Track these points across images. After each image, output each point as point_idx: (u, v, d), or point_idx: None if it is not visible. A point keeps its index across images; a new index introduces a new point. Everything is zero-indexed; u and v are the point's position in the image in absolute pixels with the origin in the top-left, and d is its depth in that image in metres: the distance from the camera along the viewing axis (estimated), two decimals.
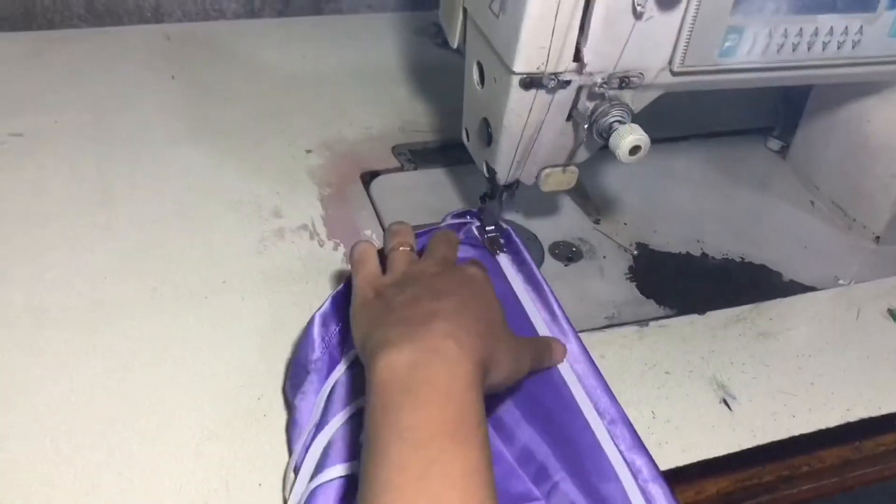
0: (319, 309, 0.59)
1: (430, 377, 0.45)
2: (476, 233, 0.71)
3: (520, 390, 0.58)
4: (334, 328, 0.60)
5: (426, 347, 0.47)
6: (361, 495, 0.43)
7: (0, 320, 0.62)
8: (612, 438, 0.55)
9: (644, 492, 0.53)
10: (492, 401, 0.58)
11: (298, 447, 0.54)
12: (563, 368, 0.59)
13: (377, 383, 0.46)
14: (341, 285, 0.60)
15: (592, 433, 0.56)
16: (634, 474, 0.54)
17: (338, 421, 0.54)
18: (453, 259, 0.60)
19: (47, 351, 0.60)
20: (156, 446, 0.55)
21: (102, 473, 0.53)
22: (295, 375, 0.59)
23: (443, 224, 0.71)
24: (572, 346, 0.61)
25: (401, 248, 0.59)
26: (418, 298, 0.51)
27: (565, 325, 0.62)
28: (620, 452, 0.55)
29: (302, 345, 0.60)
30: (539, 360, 0.58)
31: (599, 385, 0.59)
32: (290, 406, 0.58)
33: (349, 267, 0.60)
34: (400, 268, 0.57)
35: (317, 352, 0.59)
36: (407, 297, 0.52)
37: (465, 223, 0.71)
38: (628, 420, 0.57)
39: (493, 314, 0.54)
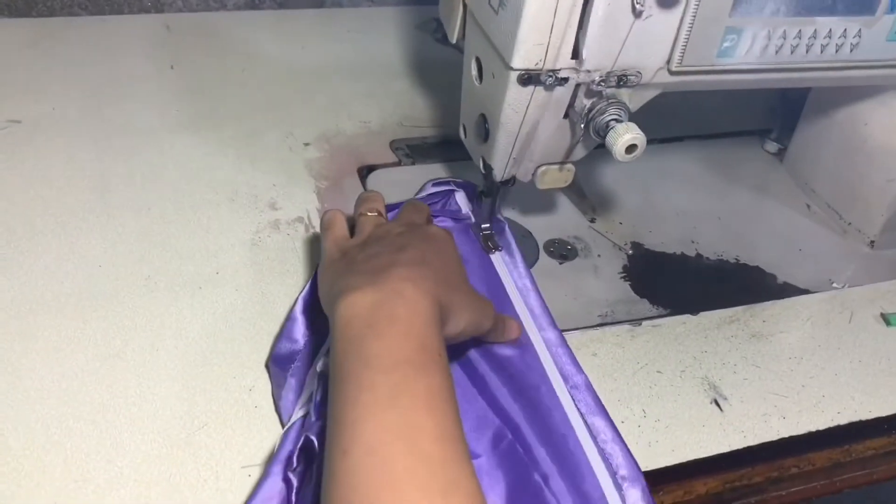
0: (302, 292, 0.62)
1: (391, 313, 0.48)
2: (458, 204, 0.73)
3: (489, 352, 0.61)
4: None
5: (387, 289, 0.49)
6: (332, 414, 0.45)
7: None
8: (574, 402, 0.59)
9: (603, 452, 0.56)
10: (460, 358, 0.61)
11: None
12: (534, 337, 0.63)
13: (340, 320, 0.48)
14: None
15: (556, 396, 0.59)
16: (594, 436, 0.57)
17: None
18: (420, 223, 0.63)
19: (39, 337, 0.60)
20: (146, 435, 0.55)
21: (92, 461, 0.53)
22: (280, 356, 0.60)
23: (423, 193, 0.74)
24: (549, 335, 0.64)
25: (368, 213, 0.62)
26: (380, 253, 0.54)
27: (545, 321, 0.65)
28: (582, 415, 0.58)
29: (287, 325, 0.61)
30: (495, 328, 0.59)
31: (566, 353, 0.62)
32: (277, 383, 0.59)
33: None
34: (366, 230, 0.60)
35: (300, 337, 0.60)
36: (370, 252, 0.55)
37: (446, 191, 0.74)
38: (591, 386, 0.61)
39: (453, 267, 0.57)
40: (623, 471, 0.56)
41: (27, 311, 0.62)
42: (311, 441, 0.50)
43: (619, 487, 0.55)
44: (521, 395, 0.59)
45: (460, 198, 0.73)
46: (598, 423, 0.58)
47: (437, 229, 0.60)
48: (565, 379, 0.61)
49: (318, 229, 0.73)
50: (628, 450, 0.57)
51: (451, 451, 0.43)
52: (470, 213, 0.72)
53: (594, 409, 0.59)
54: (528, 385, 0.59)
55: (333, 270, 0.56)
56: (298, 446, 0.51)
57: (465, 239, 0.70)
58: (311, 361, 0.58)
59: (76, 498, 0.51)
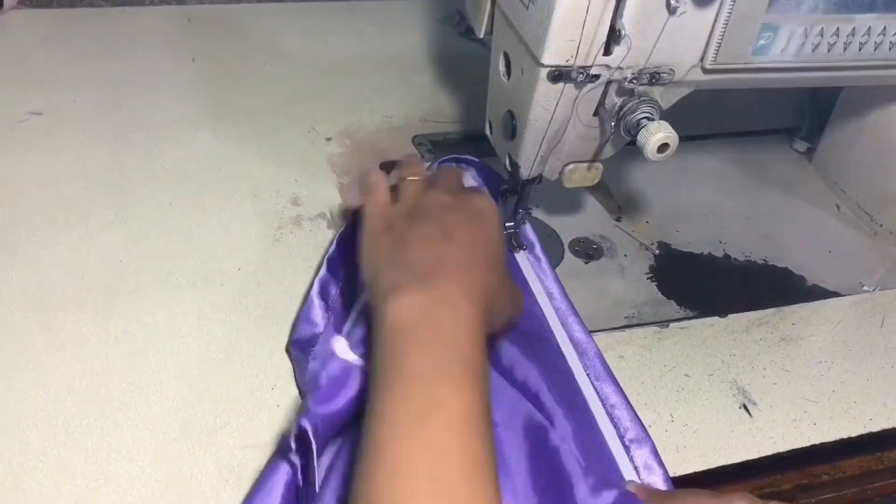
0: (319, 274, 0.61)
1: (436, 324, 0.46)
2: (471, 181, 0.73)
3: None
4: (335, 293, 0.61)
5: (435, 295, 0.47)
6: (365, 427, 0.43)
7: (14, 301, 0.61)
8: (584, 369, 0.61)
9: (612, 417, 0.58)
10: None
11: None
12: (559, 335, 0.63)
13: (386, 326, 0.47)
14: (344, 226, 0.60)
15: (566, 362, 0.61)
16: (603, 400, 0.59)
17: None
18: (459, 184, 0.61)
19: (60, 333, 0.60)
20: (168, 433, 0.54)
21: (113, 459, 0.52)
22: (300, 340, 0.59)
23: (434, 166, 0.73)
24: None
25: (411, 178, 0.59)
26: (430, 238, 0.52)
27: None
28: (591, 382, 0.60)
29: (305, 308, 0.61)
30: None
31: (577, 321, 0.64)
32: (299, 367, 0.59)
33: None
34: (411, 197, 0.57)
35: (319, 321, 0.59)
36: (418, 234, 0.52)
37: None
38: (600, 354, 0.62)
39: (499, 256, 0.55)
40: (631, 434, 0.57)
41: (48, 306, 0.61)
42: (305, 430, 0.48)
43: (627, 449, 0.56)
44: (537, 358, 0.59)
45: (467, 179, 0.73)
46: (606, 388, 0.60)
47: (482, 202, 0.56)
48: (574, 345, 0.62)
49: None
50: (635, 413, 0.58)
51: (477, 482, 0.41)
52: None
53: (602, 375, 0.61)
54: (539, 347, 0.61)
55: (378, 247, 0.53)
56: (293, 434, 0.49)
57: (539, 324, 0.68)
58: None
59: (98, 497, 0.50)
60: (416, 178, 0.59)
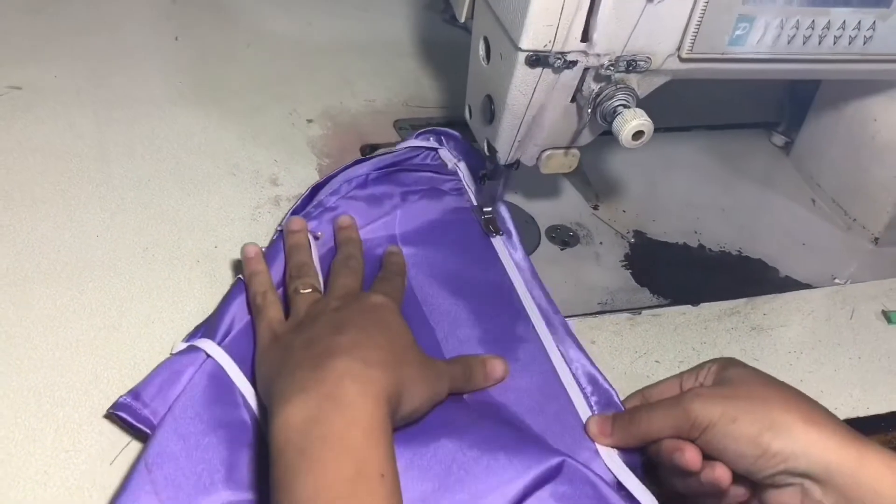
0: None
1: (324, 433, 0.43)
2: (442, 158, 0.74)
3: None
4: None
5: (320, 396, 0.45)
6: None
7: None
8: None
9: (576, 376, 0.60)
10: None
11: None
12: (538, 325, 0.64)
13: (274, 447, 0.44)
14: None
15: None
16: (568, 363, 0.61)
17: None
18: (356, 288, 0.59)
19: (35, 306, 0.60)
20: None
21: (84, 430, 0.53)
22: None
23: (402, 146, 0.75)
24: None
25: (302, 290, 0.57)
26: (317, 338, 0.50)
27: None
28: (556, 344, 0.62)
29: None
30: (467, 379, 0.57)
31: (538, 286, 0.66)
32: None
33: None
34: (301, 310, 0.56)
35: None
36: (305, 337, 0.51)
37: (427, 149, 0.75)
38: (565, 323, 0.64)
39: (399, 339, 0.52)
40: (595, 397, 0.59)
41: (23, 279, 0.61)
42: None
43: (591, 407, 0.58)
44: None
45: (444, 154, 0.74)
46: (573, 353, 0.61)
47: (376, 297, 0.55)
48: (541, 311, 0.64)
49: None
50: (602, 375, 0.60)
51: None
52: (457, 167, 0.73)
53: (566, 338, 0.63)
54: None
55: (269, 361, 0.52)
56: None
57: (467, 222, 0.70)
58: None
59: (66, 467, 0.51)
60: (307, 289, 0.58)
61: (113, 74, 0.82)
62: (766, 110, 0.97)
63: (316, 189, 0.71)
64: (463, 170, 0.74)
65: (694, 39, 0.58)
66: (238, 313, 0.59)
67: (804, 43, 0.61)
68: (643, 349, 0.66)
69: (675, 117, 0.92)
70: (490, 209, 0.71)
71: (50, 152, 0.72)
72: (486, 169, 0.69)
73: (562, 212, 0.79)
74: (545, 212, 0.79)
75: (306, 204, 0.70)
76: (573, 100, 0.61)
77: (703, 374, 0.56)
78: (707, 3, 0.56)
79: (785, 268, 0.78)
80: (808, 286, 0.76)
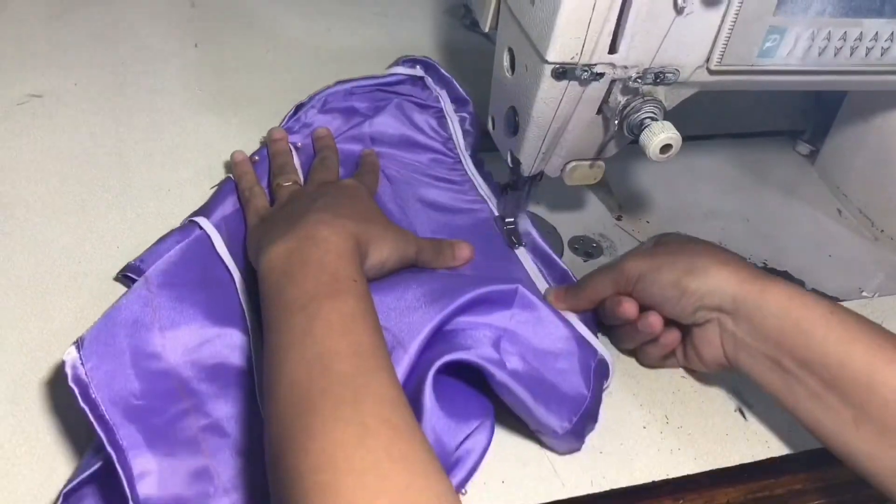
0: None
1: (304, 258, 0.52)
2: (431, 87, 0.79)
3: None
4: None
5: (300, 236, 0.53)
6: (266, 364, 0.48)
7: (10, 284, 0.61)
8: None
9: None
10: None
11: None
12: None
13: (262, 275, 0.53)
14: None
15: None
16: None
17: None
18: (333, 180, 0.67)
19: (56, 318, 0.59)
20: None
21: None
22: None
23: (389, 73, 0.81)
24: None
25: (284, 184, 0.66)
26: (296, 210, 0.59)
27: None
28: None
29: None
30: (436, 254, 0.64)
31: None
32: None
33: None
34: (283, 197, 0.65)
35: None
36: (286, 212, 0.60)
37: (413, 77, 0.81)
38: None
39: (366, 205, 0.62)
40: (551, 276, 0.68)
41: (44, 290, 0.61)
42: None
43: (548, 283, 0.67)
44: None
45: (430, 83, 0.80)
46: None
47: (349, 181, 0.66)
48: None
49: None
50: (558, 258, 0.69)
51: (364, 366, 0.45)
52: (440, 96, 0.79)
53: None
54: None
55: (256, 235, 0.60)
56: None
57: (488, 233, 0.69)
58: None
59: None
60: (288, 182, 0.66)
61: (133, 82, 0.82)
62: (790, 118, 0.95)
63: (299, 108, 0.77)
64: (444, 98, 0.79)
65: (723, 51, 0.57)
66: (227, 203, 0.67)
67: (835, 55, 0.60)
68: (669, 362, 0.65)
69: (697, 126, 0.91)
70: (513, 220, 0.70)
71: (70, 161, 0.72)
72: (509, 179, 0.69)
73: (585, 222, 0.78)
74: (568, 222, 0.78)
75: (289, 120, 0.76)
76: (599, 112, 0.60)
77: (640, 247, 0.65)
78: (737, 14, 0.55)
79: (811, 280, 0.77)
80: (835, 299, 0.75)
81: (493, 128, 0.68)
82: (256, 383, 0.54)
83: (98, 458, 0.49)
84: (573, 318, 0.63)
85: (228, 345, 0.56)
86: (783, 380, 0.55)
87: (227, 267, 0.61)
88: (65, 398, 0.52)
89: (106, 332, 0.53)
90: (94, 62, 0.83)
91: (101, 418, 0.48)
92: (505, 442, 0.57)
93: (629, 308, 0.60)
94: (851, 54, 0.60)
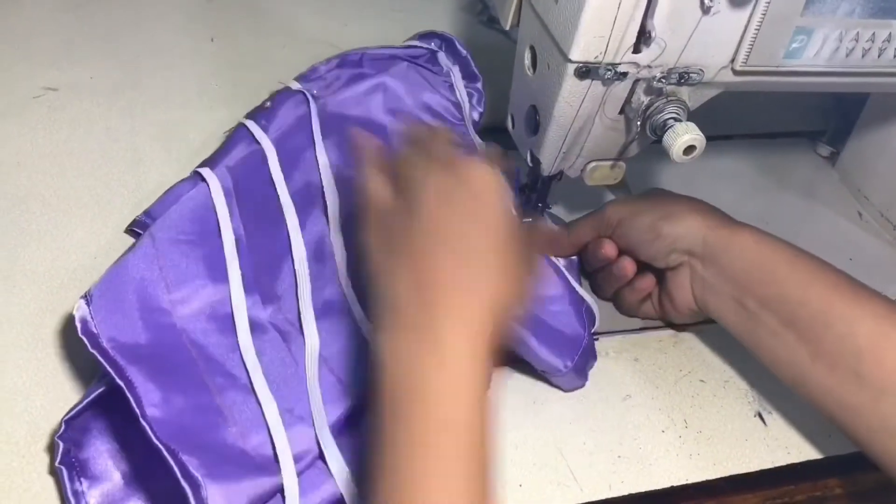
0: None
1: (421, 383, 0.44)
2: (440, 62, 0.80)
3: None
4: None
5: (428, 338, 0.45)
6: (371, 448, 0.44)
7: (24, 279, 0.61)
8: None
9: None
10: None
11: None
12: None
13: (380, 368, 0.46)
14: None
15: None
16: None
17: None
18: (453, 164, 0.52)
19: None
20: None
21: None
22: None
23: (406, 44, 0.81)
24: None
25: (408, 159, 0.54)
26: (420, 244, 0.49)
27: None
28: None
29: None
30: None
31: None
32: None
33: None
34: (400, 183, 0.53)
35: None
36: (408, 241, 0.49)
37: (428, 50, 0.81)
38: None
39: (503, 242, 0.50)
40: None
41: (59, 285, 0.61)
42: None
43: None
44: None
45: (442, 57, 0.80)
46: None
47: (483, 179, 0.50)
48: None
49: None
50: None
51: None
52: (451, 71, 0.79)
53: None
54: None
55: (374, 259, 0.51)
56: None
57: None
58: None
59: None
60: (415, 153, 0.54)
61: (149, 76, 0.82)
62: (810, 119, 0.94)
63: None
64: (456, 73, 0.80)
65: (749, 52, 0.56)
66: (235, 151, 0.67)
67: (863, 56, 0.59)
68: (687, 367, 0.64)
69: (717, 126, 0.89)
70: (530, 219, 0.69)
71: (85, 155, 0.72)
72: (528, 179, 0.68)
73: None
74: None
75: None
76: (622, 112, 0.59)
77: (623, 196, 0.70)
78: (764, 14, 0.54)
79: None
80: None
81: (513, 126, 0.67)
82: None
83: (101, 384, 0.50)
84: (560, 265, 0.66)
85: (227, 299, 0.57)
86: (746, 320, 0.59)
87: (217, 223, 0.60)
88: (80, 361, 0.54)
89: (113, 289, 0.53)
90: (109, 56, 0.83)
91: (111, 361, 0.49)
92: (523, 446, 0.57)
93: (609, 249, 0.65)
94: (879, 56, 0.59)
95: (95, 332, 0.50)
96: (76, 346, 0.52)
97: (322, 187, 0.65)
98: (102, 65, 0.81)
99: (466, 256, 0.48)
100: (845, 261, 0.79)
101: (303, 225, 0.63)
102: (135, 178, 0.70)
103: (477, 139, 0.75)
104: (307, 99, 0.73)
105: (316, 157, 0.68)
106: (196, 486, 0.45)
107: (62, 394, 0.54)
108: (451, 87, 0.78)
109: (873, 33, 0.57)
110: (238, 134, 0.70)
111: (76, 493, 0.48)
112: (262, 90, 0.82)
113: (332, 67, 0.77)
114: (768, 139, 0.92)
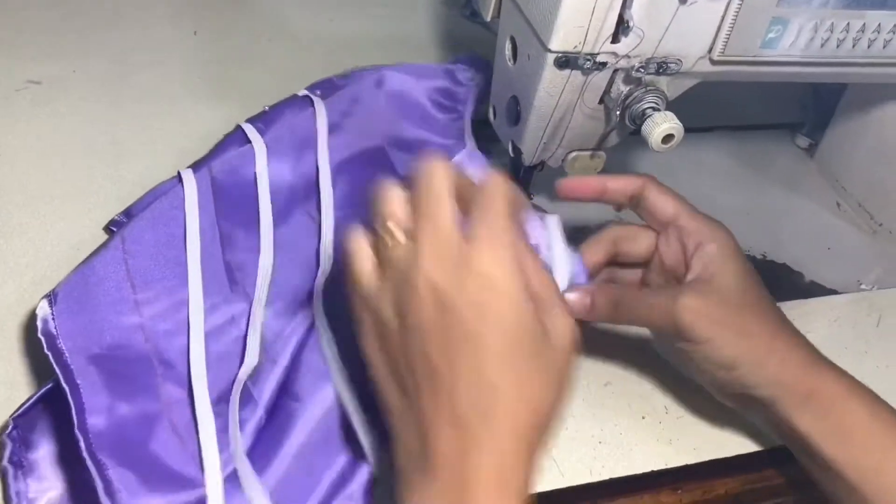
0: None
1: None
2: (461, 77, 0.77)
3: None
4: None
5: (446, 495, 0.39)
6: None
7: (7, 271, 0.61)
8: None
9: None
10: None
11: None
12: None
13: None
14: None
15: None
16: None
17: None
18: (451, 238, 0.42)
19: None
20: None
21: None
22: None
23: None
24: None
25: (389, 241, 0.43)
26: (429, 383, 0.41)
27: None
28: None
29: None
30: None
31: None
32: None
33: None
34: (389, 274, 0.43)
35: None
36: (412, 372, 0.41)
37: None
38: None
39: (522, 338, 0.41)
40: None
41: (42, 277, 0.61)
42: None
43: None
44: None
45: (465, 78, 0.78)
46: None
47: (488, 278, 0.40)
48: None
49: None
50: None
51: None
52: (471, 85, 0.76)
53: None
54: None
55: (378, 362, 0.44)
56: None
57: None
58: None
59: None
60: (394, 229, 0.43)
61: (132, 70, 0.82)
62: (789, 111, 0.95)
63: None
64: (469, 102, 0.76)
65: (726, 42, 0.57)
66: (226, 153, 0.67)
67: (838, 46, 0.60)
68: None
69: (696, 119, 0.90)
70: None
71: (68, 148, 0.72)
72: (510, 169, 0.69)
73: (585, 214, 0.78)
74: (568, 213, 0.77)
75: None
76: (601, 101, 0.60)
77: (690, 249, 0.56)
78: (741, 4, 0.55)
79: (810, 273, 0.77)
80: (833, 292, 0.75)
81: (495, 117, 0.68)
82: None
83: (51, 382, 0.50)
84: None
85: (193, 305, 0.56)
86: (812, 466, 0.54)
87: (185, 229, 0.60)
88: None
89: (79, 290, 0.53)
90: (93, 49, 0.83)
91: (63, 364, 0.49)
92: None
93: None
94: (854, 46, 0.60)
95: (55, 333, 0.50)
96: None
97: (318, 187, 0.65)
98: (86, 58, 0.82)
99: (481, 381, 0.40)
100: (824, 250, 0.80)
101: (288, 224, 0.63)
102: (118, 170, 0.71)
103: (479, 157, 0.72)
104: (312, 101, 0.72)
105: (317, 157, 0.67)
106: None
107: (29, 391, 0.54)
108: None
109: (847, 24, 0.58)
110: (232, 136, 0.70)
111: (18, 494, 0.48)
112: (246, 83, 0.83)
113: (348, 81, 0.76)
114: (748, 131, 0.93)
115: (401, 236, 0.43)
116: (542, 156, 0.64)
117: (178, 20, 0.90)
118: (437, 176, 0.43)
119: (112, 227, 0.64)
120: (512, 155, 0.66)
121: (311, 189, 0.66)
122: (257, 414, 0.52)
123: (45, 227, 0.64)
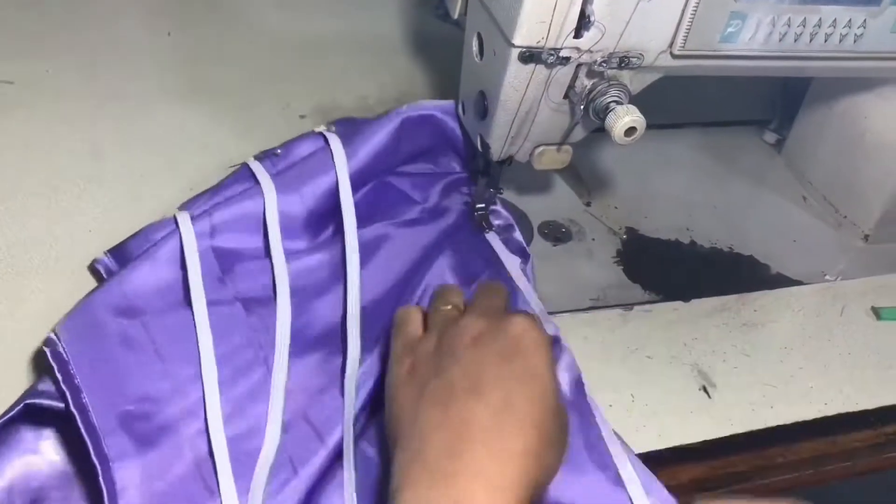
0: None
1: None
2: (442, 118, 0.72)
3: None
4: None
5: (447, 497, 0.42)
6: None
7: None
8: None
9: None
10: None
11: None
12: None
13: None
14: None
15: None
16: None
17: None
18: (499, 309, 0.54)
19: (28, 300, 0.60)
20: None
21: None
22: None
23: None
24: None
25: (441, 308, 0.55)
26: (452, 389, 0.46)
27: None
28: None
29: None
30: None
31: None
32: None
33: None
34: (436, 326, 0.52)
35: None
36: (439, 383, 0.47)
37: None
38: None
39: (543, 396, 0.47)
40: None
41: (15, 273, 0.61)
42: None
43: None
44: None
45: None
46: None
47: (522, 328, 0.49)
48: None
49: None
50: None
51: None
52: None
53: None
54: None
55: (401, 400, 0.49)
56: None
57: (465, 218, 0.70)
58: None
59: None
60: (449, 307, 0.55)
61: (106, 69, 0.82)
62: (757, 108, 0.97)
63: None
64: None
65: (686, 36, 0.58)
66: (227, 194, 0.65)
67: (795, 40, 0.61)
68: (635, 345, 0.66)
69: (667, 114, 0.92)
70: (483, 205, 0.71)
71: (42, 147, 0.72)
72: (479, 165, 0.69)
73: (554, 208, 0.80)
74: (538, 208, 0.79)
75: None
76: (566, 96, 0.61)
77: None
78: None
79: (776, 264, 0.79)
80: (798, 283, 0.77)
81: (464, 113, 0.69)
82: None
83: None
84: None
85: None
86: None
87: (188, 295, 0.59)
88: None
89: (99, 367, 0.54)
90: (66, 49, 0.83)
91: (88, 424, 0.50)
92: None
93: None
94: (811, 40, 0.61)
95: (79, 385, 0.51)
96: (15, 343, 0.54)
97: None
98: (59, 58, 0.82)
99: (503, 413, 0.45)
100: (790, 243, 0.82)
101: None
102: (92, 169, 0.71)
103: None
104: (325, 139, 0.69)
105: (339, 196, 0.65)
106: None
107: None
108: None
109: (804, 18, 0.60)
110: (240, 174, 0.68)
111: None
112: (218, 83, 0.84)
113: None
114: (717, 127, 0.95)
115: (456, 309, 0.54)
116: (510, 150, 0.65)
117: (152, 20, 0.90)
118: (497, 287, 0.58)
119: (97, 266, 0.61)
120: (480, 150, 0.66)
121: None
122: None
123: (19, 226, 0.65)
